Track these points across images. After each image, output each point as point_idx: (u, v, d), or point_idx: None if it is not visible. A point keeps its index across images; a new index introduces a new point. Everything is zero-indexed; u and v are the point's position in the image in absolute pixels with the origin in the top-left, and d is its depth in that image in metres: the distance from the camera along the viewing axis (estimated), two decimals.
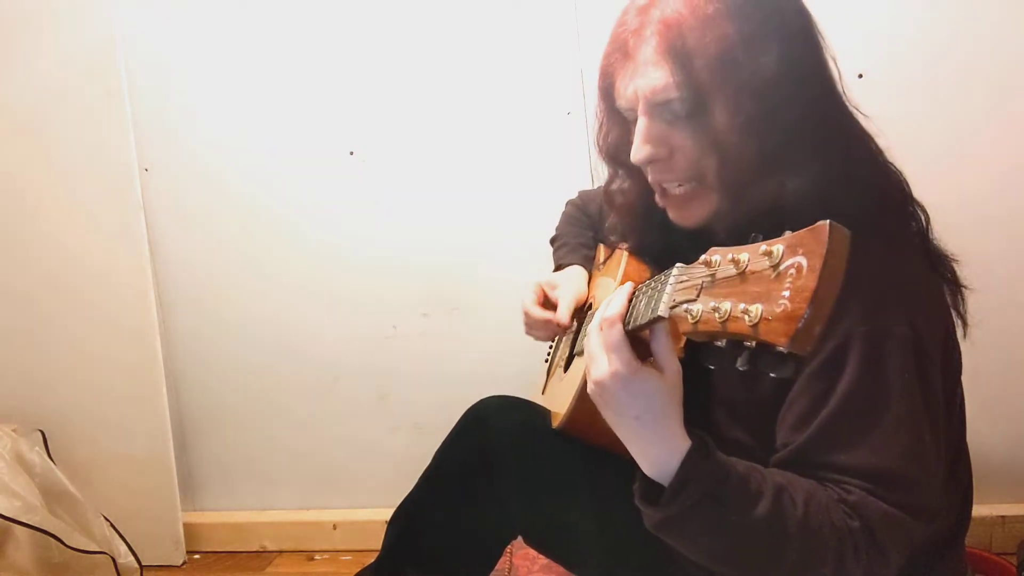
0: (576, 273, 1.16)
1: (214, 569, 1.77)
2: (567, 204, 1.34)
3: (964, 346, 0.88)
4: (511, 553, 1.43)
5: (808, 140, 0.80)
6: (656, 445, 0.72)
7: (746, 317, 0.55)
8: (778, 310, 0.53)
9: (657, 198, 0.90)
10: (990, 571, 1.40)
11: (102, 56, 1.64)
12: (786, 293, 0.53)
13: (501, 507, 1.00)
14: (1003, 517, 1.51)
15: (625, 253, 1.03)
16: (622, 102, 0.86)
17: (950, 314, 0.86)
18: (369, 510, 1.74)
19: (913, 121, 1.40)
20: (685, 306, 0.62)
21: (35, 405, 1.75)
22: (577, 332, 1.10)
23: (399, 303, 1.69)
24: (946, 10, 1.39)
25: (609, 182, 1.01)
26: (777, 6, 0.82)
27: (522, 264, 1.59)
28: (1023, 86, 1.39)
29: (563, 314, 1.06)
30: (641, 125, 0.83)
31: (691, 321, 0.61)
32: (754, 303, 0.55)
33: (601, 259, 1.16)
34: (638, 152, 0.84)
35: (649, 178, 0.88)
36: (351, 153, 1.65)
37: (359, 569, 1.14)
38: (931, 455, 0.76)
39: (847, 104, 0.86)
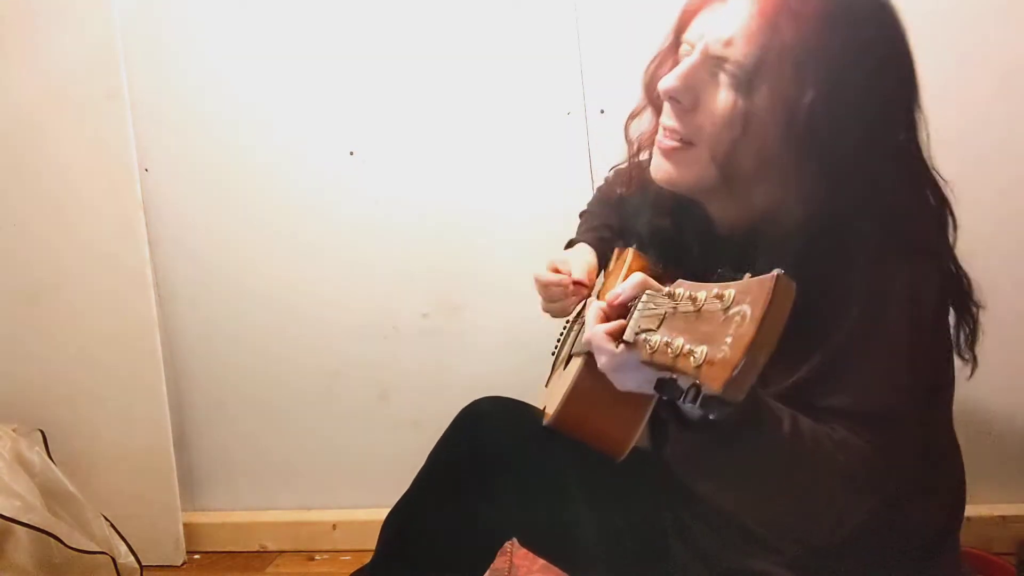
0: (583, 249, 1.15)
1: (214, 569, 1.77)
2: (604, 179, 1.29)
3: None
4: (511, 553, 1.43)
5: (830, 166, 0.79)
6: None
7: (692, 358, 0.57)
8: (719, 355, 0.55)
9: (657, 140, 0.89)
10: (990, 571, 1.40)
11: (102, 56, 1.64)
12: (728, 339, 0.55)
13: (495, 508, 0.99)
14: (1003, 517, 1.50)
15: (631, 251, 1.03)
16: (689, 36, 0.85)
17: (946, 304, 0.87)
18: (369, 510, 1.74)
19: None
20: (645, 335, 0.65)
21: (35, 405, 1.75)
22: (580, 332, 1.10)
23: (399, 303, 1.69)
24: (947, 8, 1.39)
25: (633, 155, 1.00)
26: (871, 41, 0.81)
27: (522, 264, 1.58)
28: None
29: (576, 273, 1.06)
30: (689, 61, 0.83)
31: (648, 351, 0.63)
32: (700, 344, 0.57)
33: (611, 266, 1.16)
34: (668, 80, 0.83)
35: (663, 119, 0.87)
36: (351, 153, 1.65)
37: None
38: (911, 409, 0.80)
39: (910, 156, 0.86)
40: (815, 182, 0.80)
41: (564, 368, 1.10)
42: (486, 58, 1.57)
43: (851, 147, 0.80)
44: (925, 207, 0.87)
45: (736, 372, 0.53)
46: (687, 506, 0.95)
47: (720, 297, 0.59)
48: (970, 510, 0.95)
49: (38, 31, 1.65)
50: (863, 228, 0.80)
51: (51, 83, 1.67)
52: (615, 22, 1.50)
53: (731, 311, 0.57)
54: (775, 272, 0.56)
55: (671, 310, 0.64)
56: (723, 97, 0.81)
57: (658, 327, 0.64)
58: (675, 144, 0.86)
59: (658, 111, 0.92)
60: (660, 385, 0.65)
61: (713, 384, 0.54)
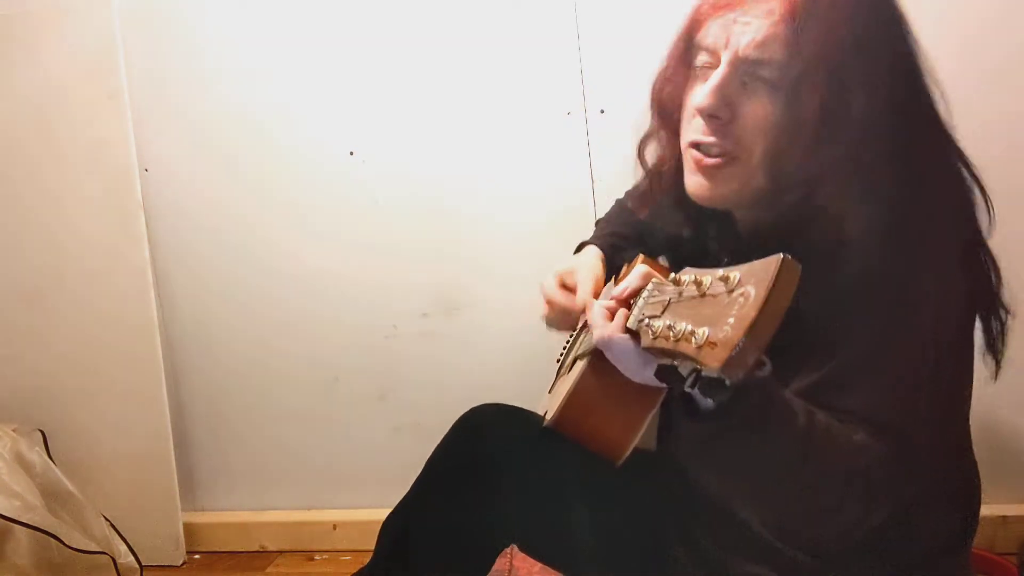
0: (590, 255, 1.11)
1: (214, 569, 1.77)
2: (625, 199, 1.25)
3: None
4: (511, 555, 1.42)
5: (872, 165, 0.77)
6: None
7: (693, 339, 0.57)
8: (720, 335, 0.55)
9: (685, 161, 0.86)
10: (992, 571, 1.40)
11: (103, 56, 1.64)
12: (731, 320, 0.55)
13: (494, 513, 0.99)
14: (1005, 517, 1.50)
15: (641, 256, 1.03)
16: (706, 42, 0.81)
17: (972, 306, 0.86)
18: (369, 510, 1.74)
19: None
20: (647, 321, 0.65)
21: (35, 405, 1.75)
22: (586, 338, 1.09)
23: (399, 303, 1.69)
24: (947, 7, 1.39)
25: (645, 139, 0.96)
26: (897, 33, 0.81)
27: (522, 264, 1.59)
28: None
29: (584, 293, 1.01)
30: (719, 74, 0.79)
31: (651, 337, 0.63)
32: (702, 326, 0.57)
33: (621, 274, 1.14)
34: (705, 97, 0.80)
35: (692, 136, 0.84)
36: (351, 153, 1.65)
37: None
38: (930, 417, 0.79)
39: (941, 149, 0.84)
40: (866, 181, 0.76)
41: (568, 373, 1.10)
42: (486, 58, 1.56)
43: (902, 148, 0.77)
44: (966, 207, 0.85)
45: (736, 351, 0.53)
46: (690, 510, 0.94)
47: (725, 279, 0.58)
48: None
49: (38, 31, 1.65)
50: (904, 236, 0.77)
51: (51, 83, 1.67)
52: (615, 22, 1.50)
53: (735, 293, 0.56)
54: (780, 255, 0.55)
55: (676, 296, 0.64)
56: (761, 104, 0.78)
57: (662, 313, 0.64)
58: (717, 161, 0.83)
59: (672, 131, 0.88)
60: (661, 372, 0.65)
61: (712, 364, 0.54)
